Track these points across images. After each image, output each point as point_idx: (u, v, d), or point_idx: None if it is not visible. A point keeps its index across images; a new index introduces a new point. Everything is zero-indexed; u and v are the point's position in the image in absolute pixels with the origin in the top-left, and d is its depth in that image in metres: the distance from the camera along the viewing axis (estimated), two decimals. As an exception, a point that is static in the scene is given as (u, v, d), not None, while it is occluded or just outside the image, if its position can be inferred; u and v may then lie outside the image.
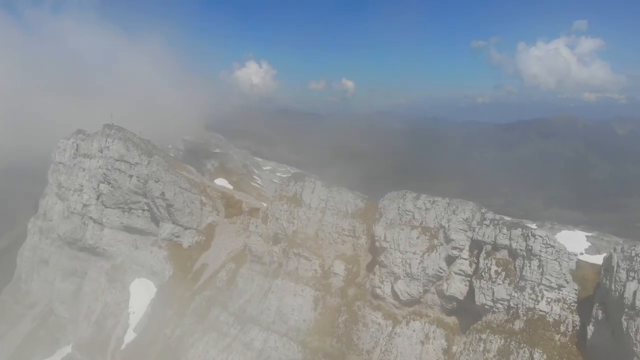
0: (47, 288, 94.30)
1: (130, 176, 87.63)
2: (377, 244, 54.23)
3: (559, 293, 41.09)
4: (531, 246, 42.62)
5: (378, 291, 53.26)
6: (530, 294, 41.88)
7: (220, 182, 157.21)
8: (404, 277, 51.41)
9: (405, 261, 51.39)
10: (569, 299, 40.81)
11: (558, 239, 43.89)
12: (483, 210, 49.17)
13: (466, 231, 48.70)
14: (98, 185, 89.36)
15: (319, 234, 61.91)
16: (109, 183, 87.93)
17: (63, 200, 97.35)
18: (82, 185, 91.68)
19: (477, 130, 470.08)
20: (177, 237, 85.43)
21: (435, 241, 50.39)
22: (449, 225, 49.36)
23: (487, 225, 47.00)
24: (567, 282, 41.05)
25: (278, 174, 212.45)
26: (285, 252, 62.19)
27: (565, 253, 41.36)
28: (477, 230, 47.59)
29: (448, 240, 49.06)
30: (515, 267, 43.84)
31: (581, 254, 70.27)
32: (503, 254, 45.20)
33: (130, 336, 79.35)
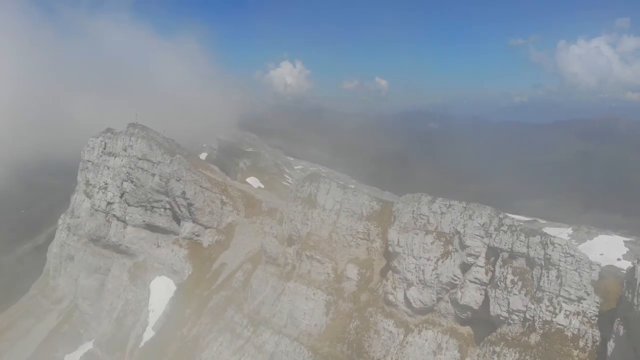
0: (72, 284, 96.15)
1: (153, 175, 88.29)
2: (390, 248, 52.35)
3: (578, 306, 38.33)
4: (550, 255, 39.96)
5: (390, 298, 51.36)
6: (547, 306, 39.25)
7: (252, 180, 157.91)
8: (417, 284, 49.34)
9: (419, 267, 49.32)
10: (590, 312, 37.99)
11: (592, 245, 41.24)
12: (501, 216, 46.60)
13: (482, 237, 46.26)
14: (122, 183, 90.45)
15: (332, 236, 60.37)
16: (132, 181, 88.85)
17: (90, 198, 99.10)
18: (106, 184, 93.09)
19: (515, 130, 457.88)
20: (198, 236, 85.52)
21: (450, 247, 48.14)
22: (464, 231, 47.03)
23: (505, 232, 44.48)
24: (588, 294, 38.24)
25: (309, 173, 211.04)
26: (299, 255, 61.03)
27: (586, 263, 38.55)
28: (493, 236, 45.11)
29: (463, 246, 46.73)
30: (532, 277, 41.26)
31: (618, 259, 66.26)
32: (520, 263, 42.63)
33: (148, 334, 79.91)
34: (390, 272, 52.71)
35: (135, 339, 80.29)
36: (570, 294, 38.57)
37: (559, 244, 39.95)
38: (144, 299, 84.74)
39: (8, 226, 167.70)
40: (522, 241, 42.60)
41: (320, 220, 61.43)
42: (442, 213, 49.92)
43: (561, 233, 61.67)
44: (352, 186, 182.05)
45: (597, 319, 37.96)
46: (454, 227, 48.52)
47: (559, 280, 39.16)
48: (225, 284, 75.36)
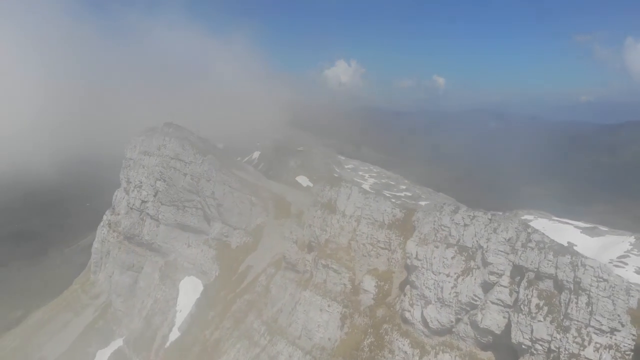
0: (108, 280, 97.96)
1: (185, 174, 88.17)
2: (408, 261, 48.39)
3: (611, 338, 33.06)
4: (580, 278, 34.83)
5: (407, 315, 47.39)
6: (575, 337, 34.18)
7: (302, 179, 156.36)
8: (435, 302, 45.12)
9: (438, 284, 45.09)
10: (624, 346, 32.66)
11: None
12: (529, 230, 41.56)
13: (508, 254, 41.41)
14: (155, 182, 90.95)
15: (351, 244, 57.00)
16: (164, 181, 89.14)
17: (128, 196, 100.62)
18: (141, 182, 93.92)
19: (580, 130, 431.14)
20: (226, 237, 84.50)
21: (472, 263, 43.58)
22: (487, 246, 42.34)
23: (532, 249, 39.49)
24: (623, 326, 32.90)
25: (360, 173, 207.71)
26: (315, 263, 58.09)
27: (622, 289, 33.21)
28: (519, 253, 40.20)
29: (485, 263, 42.08)
30: (560, 302, 36.20)
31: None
32: (547, 285, 37.61)
33: (174, 335, 79.65)
34: (408, 287, 48.71)
35: (161, 338, 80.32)
36: (602, 325, 33.34)
37: (590, 267, 34.69)
38: (172, 298, 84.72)
39: (76, 219, 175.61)
40: (550, 261, 37.55)
41: (340, 227, 58.21)
42: (465, 225, 45.37)
43: (622, 242, 55.15)
44: (404, 186, 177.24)
45: (632, 354, 32.55)
46: (477, 241, 43.90)
47: (590, 308, 33.99)
48: (249, 288, 73.71)
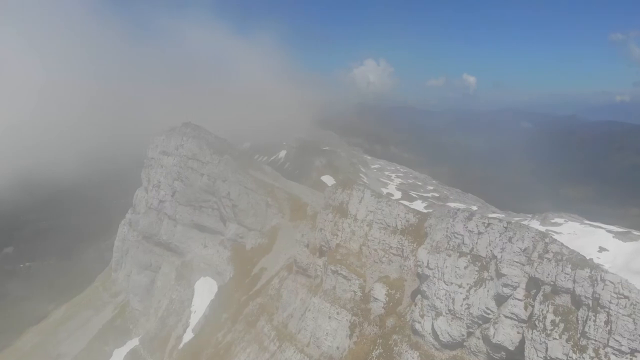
0: (127, 279, 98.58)
1: (202, 175, 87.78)
2: (419, 270, 46.10)
3: (632, 361, 30.23)
4: (599, 294, 32.05)
5: (417, 326, 45.13)
6: (592, 358, 31.45)
7: (327, 179, 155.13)
8: (446, 313, 42.75)
9: (449, 295, 42.71)
10: (648, 371, 29.78)
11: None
12: (547, 240, 38.76)
13: (523, 265, 38.74)
14: (173, 182, 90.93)
15: (363, 250, 54.98)
16: (181, 181, 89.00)
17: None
18: (159, 182, 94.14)
19: (615, 131, 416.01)
20: (241, 238, 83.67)
21: (486, 274, 41.03)
22: (502, 256, 39.76)
23: (549, 260, 36.75)
24: (647, 349, 30.02)
25: (386, 173, 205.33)
26: (325, 268, 56.30)
27: (645, 309, 30.27)
28: (535, 265, 37.51)
29: (499, 274, 39.49)
30: (577, 320, 33.44)
31: None
32: (564, 300, 34.90)
33: (188, 336, 79.30)
34: (419, 296, 46.44)
35: (175, 339, 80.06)
36: (621, 345, 30.52)
37: (610, 282, 31.86)
38: (187, 299, 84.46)
39: (107, 215, 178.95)
40: (567, 274, 34.80)
41: (351, 231, 56.26)
42: (479, 233, 42.81)
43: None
44: (432, 187, 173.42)
45: (657, 380, 29.69)
46: (491, 251, 41.32)
47: (608, 327, 31.18)
48: (262, 291, 72.57)
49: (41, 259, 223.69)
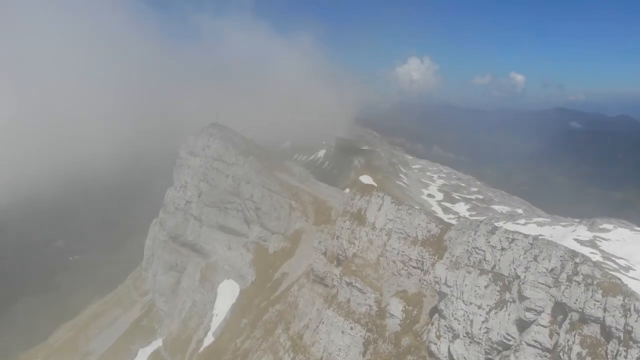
0: (153, 279, 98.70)
1: (227, 176, 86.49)
2: (437, 286, 42.42)
3: (671, 410, 25.82)
4: (632, 327, 27.76)
5: (433, 348, 41.52)
6: (624, 403, 27.19)
7: (365, 179, 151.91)
8: (464, 337, 38.95)
9: (468, 316, 38.88)
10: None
11: None
12: (577, 260, 34.33)
13: (549, 287, 34.50)
14: (199, 183, 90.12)
15: (380, 261, 51.60)
16: (207, 182, 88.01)
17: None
18: (187, 182, 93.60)
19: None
20: (264, 241, 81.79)
21: (507, 295, 37.00)
22: (525, 277, 35.63)
23: (578, 284, 32.45)
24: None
25: (428, 173, 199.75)
26: (340, 279, 53.27)
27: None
28: (562, 288, 33.25)
29: (522, 297, 35.39)
30: (606, 354, 29.18)
31: None
32: (593, 330, 30.64)
33: (209, 340, 78.07)
34: (436, 315, 42.76)
35: (196, 343, 79.07)
36: (659, 391, 26.19)
37: (648, 316, 27.48)
38: (210, 301, 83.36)
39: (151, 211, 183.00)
40: (597, 301, 30.49)
41: (368, 240, 52.98)
42: (503, 249, 38.72)
43: None
44: (476, 188, 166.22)
45: None
46: (514, 269, 37.21)
47: (645, 369, 26.88)
48: (282, 297, 70.37)
49: (89, 252, 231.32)
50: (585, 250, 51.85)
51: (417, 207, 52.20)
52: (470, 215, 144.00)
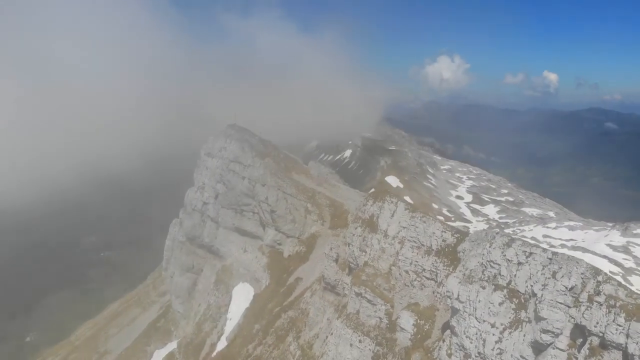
0: (170, 280, 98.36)
1: (243, 178, 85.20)
2: (448, 301, 39.80)
3: None
4: (660, 361, 24.69)
5: (443, 366, 38.93)
6: None
7: (392, 180, 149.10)
8: (475, 356, 36.28)
9: (480, 335, 36.21)
10: None
11: None
12: (600, 278, 31.31)
13: (569, 307, 31.58)
14: (216, 184, 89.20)
15: (392, 271, 49.14)
16: (224, 183, 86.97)
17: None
18: (204, 184, 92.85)
19: None
20: (279, 244, 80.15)
21: (523, 314, 34.18)
22: (542, 295, 32.77)
23: (600, 305, 29.48)
24: None
25: (457, 175, 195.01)
26: (350, 289, 51.04)
27: None
28: (583, 309, 30.31)
29: (538, 317, 32.55)
30: (631, 387, 26.20)
31: None
32: (614, 357, 27.74)
33: (222, 344, 76.88)
34: (448, 331, 40.15)
35: (209, 346, 78.07)
36: None
37: (676, 347, 24.43)
38: (224, 305, 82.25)
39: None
40: (620, 325, 27.53)
41: (380, 248, 50.59)
42: (519, 263, 35.86)
43: None
44: (506, 190, 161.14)
45: None
46: (530, 286, 34.36)
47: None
48: (294, 303, 68.51)
49: (120, 248, 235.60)
50: (618, 257, 48.73)
51: (431, 215, 49.34)
52: (500, 218, 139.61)
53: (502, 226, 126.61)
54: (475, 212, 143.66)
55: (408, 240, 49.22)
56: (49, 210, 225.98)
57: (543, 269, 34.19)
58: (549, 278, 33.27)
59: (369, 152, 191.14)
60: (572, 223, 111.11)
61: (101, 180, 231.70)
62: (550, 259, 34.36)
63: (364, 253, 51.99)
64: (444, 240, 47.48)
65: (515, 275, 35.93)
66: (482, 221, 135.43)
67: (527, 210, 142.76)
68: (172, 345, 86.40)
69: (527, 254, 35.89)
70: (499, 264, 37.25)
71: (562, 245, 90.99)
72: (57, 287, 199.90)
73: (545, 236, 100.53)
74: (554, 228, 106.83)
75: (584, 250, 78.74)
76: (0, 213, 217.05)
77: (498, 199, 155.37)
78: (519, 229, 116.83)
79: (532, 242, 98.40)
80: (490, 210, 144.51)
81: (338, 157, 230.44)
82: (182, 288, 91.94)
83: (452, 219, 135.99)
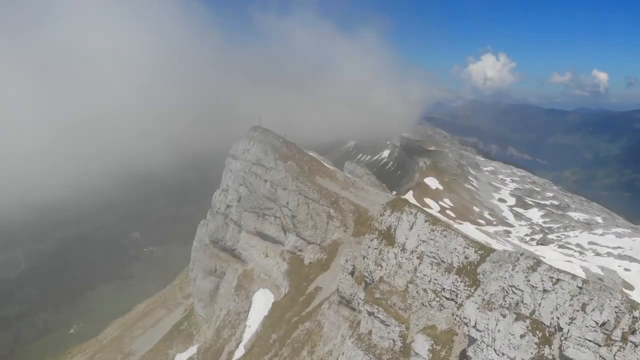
0: (193, 283, 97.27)
1: (265, 181, 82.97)
2: (465, 329, 35.89)
3: None
4: None
5: (458, 400, 35.10)
6: None
7: (430, 181, 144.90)
8: (493, 393, 32.29)
9: (499, 369, 32.17)
10: None
11: None
12: (637, 313, 26.86)
13: (599, 346, 27.29)
14: (239, 187, 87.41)
15: (409, 288, 45.37)
16: (246, 186, 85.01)
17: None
18: (228, 186, 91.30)
19: None
20: (300, 251, 77.43)
21: (547, 350, 29.99)
22: (569, 330, 28.55)
23: (635, 346, 25.16)
24: None
25: (500, 176, 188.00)
26: (362, 307, 47.60)
27: None
28: (615, 350, 26.02)
29: (564, 357, 28.36)
30: None
31: None
32: (653, 416, 23.30)
33: (240, 352, 74.91)
34: (465, 361, 36.24)
35: (227, 354, 76.26)
36: None
37: None
38: (244, 311, 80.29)
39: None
40: (659, 376, 23.19)
41: (397, 263, 46.89)
42: (545, 291, 31.63)
43: None
44: (551, 193, 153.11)
45: None
46: (556, 319, 30.11)
47: None
48: (312, 315, 65.64)
49: (162, 244, 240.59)
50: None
51: (453, 228, 45.17)
52: (544, 223, 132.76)
53: (546, 231, 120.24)
54: (518, 216, 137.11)
55: (427, 255, 45.35)
56: (92, 207, 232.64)
57: (571, 299, 29.91)
58: (577, 311, 29.00)
59: (407, 152, 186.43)
60: (619, 230, 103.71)
61: (141, 177, 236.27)
62: (581, 287, 30.01)
63: (379, 267, 48.43)
64: (466, 257, 43.35)
65: (539, 305, 31.74)
66: (525, 226, 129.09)
67: (572, 214, 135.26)
68: (193, 350, 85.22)
69: (553, 280, 31.62)
70: (522, 290, 33.11)
71: (609, 254, 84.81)
72: (100, 280, 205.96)
73: (591, 243, 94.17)
74: (601, 235, 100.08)
75: (631, 259, 72.31)
76: (48, 210, 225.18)
77: (542, 202, 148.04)
78: (564, 235, 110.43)
79: (577, 248, 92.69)
80: (534, 214, 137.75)
81: (375, 157, 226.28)
82: (204, 292, 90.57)
83: (494, 222, 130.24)
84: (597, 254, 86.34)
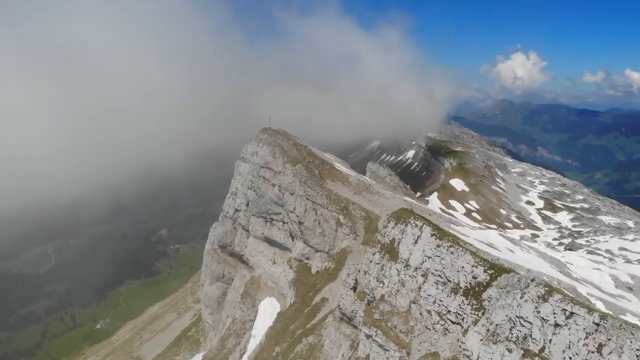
0: (201, 288, 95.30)
1: (273, 185, 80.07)
2: (467, 360, 32.04)
3: None
4: None
5: None
6: None
7: (456, 183, 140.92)
8: None
9: (503, 411, 28.32)
10: None
11: None
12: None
13: (620, 398, 23.23)
14: (247, 191, 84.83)
15: (412, 309, 41.59)
16: (254, 190, 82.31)
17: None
18: (237, 189, 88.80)
19: None
20: (307, 259, 74.24)
21: (558, 396, 26.00)
22: (584, 376, 24.52)
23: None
24: None
25: (528, 178, 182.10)
26: (360, 329, 44.07)
27: None
28: (638, 406, 21.94)
29: (576, 406, 24.39)
30: None
31: None
32: None
33: (244, 363, 72.21)
34: (467, 396, 32.41)
35: (231, 365, 73.62)
36: None
37: None
38: (249, 320, 77.64)
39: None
40: None
41: (399, 281, 43.16)
42: (557, 325, 27.63)
43: None
44: (581, 196, 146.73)
45: None
46: (569, 359, 26.12)
47: None
48: (316, 328, 62.46)
49: (189, 241, 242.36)
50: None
51: (461, 245, 41.11)
52: (573, 227, 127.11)
53: (575, 235, 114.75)
54: (546, 220, 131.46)
55: (432, 273, 41.49)
56: (116, 205, 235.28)
57: (586, 337, 25.91)
58: (592, 352, 25.04)
59: (433, 153, 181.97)
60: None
61: (165, 176, 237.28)
62: (597, 324, 25.95)
63: (381, 284, 44.79)
64: (474, 277, 39.29)
65: (550, 341, 27.79)
66: (554, 229, 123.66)
67: (603, 218, 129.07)
68: (198, 358, 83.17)
69: (567, 313, 27.59)
70: (530, 323, 29.17)
71: (640, 261, 79.65)
72: (127, 277, 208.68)
73: (621, 249, 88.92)
74: (632, 240, 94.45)
75: (664, 268, 66.83)
76: (79, 206, 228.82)
77: (572, 205, 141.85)
78: (593, 239, 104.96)
79: (607, 254, 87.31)
80: (563, 218, 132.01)
81: (400, 158, 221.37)
82: (211, 298, 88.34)
83: (521, 226, 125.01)
84: (628, 261, 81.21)
